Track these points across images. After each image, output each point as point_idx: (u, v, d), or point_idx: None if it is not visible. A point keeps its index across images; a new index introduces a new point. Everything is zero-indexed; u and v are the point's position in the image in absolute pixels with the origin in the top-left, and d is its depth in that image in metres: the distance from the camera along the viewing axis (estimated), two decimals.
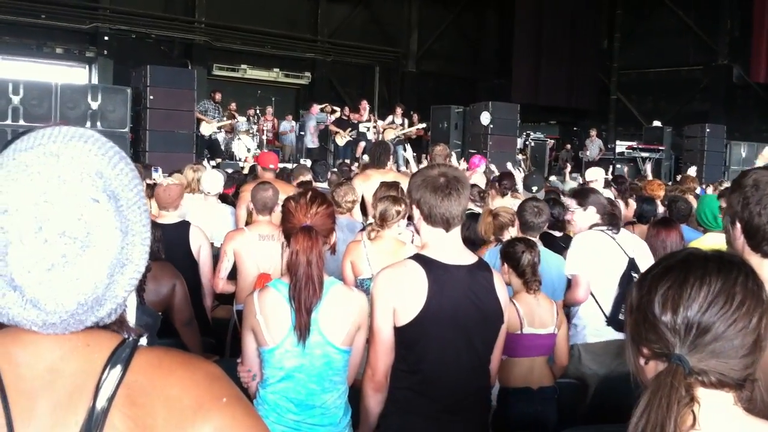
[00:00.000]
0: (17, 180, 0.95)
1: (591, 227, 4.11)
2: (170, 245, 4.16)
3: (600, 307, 4.01)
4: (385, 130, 14.73)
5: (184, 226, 4.70)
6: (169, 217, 4.65)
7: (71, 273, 0.94)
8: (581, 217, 4.18)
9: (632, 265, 3.94)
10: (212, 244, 5.15)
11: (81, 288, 0.95)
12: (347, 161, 13.32)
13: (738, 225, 1.97)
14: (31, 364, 0.96)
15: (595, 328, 4.03)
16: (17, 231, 0.93)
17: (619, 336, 3.89)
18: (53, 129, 1.00)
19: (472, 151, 13.90)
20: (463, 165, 9.09)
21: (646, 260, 3.92)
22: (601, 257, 3.99)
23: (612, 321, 3.98)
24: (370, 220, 4.28)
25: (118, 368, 0.97)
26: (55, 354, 0.97)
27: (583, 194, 4.31)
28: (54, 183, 0.95)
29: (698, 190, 9.30)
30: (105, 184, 0.98)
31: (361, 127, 15.42)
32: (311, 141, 16.01)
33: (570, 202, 4.35)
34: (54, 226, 0.93)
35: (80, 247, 0.94)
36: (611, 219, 4.13)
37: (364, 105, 16.13)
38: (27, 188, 0.94)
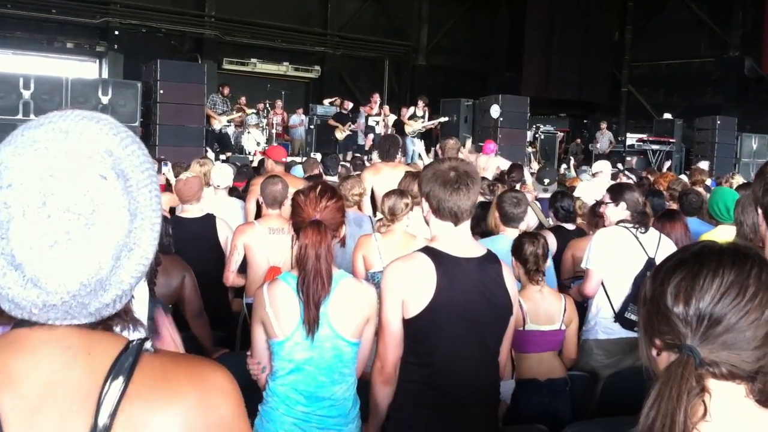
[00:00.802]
0: (23, 155, 0.91)
1: (618, 223, 4.10)
2: (196, 238, 4.11)
3: (611, 304, 4.00)
4: (405, 123, 14.62)
5: (210, 219, 4.68)
6: (193, 211, 4.63)
7: (75, 251, 0.90)
8: (612, 212, 4.19)
9: (650, 265, 3.89)
10: None
11: (84, 268, 0.91)
12: (357, 154, 13.29)
13: (760, 211, 1.96)
14: (30, 379, 0.92)
15: (606, 325, 4.02)
16: (20, 206, 0.89)
17: (631, 334, 3.88)
18: (66, 110, 0.97)
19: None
20: (475, 156, 9.06)
21: None
22: (617, 254, 3.97)
23: (619, 318, 3.97)
24: (380, 215, 4.28)
25: (120, 380, 0.93)
26: (56, 364, 0.93)
27: (617, 190, 4.30)
28: (61, 158, 0.91)
29: (709, 182, 9.26)
30: (114, 162, 0.94)
31: (371, 121, 15.37)
32: (363, 138, 15.41)
33: (605, 196, 4.36)
34: (58, 201, 0.89)
35: (85, 224, 0.90)
36: (641, 217, 4.11)
37: (376, 98, 16.09)
38: (33, 163, 0.90)
